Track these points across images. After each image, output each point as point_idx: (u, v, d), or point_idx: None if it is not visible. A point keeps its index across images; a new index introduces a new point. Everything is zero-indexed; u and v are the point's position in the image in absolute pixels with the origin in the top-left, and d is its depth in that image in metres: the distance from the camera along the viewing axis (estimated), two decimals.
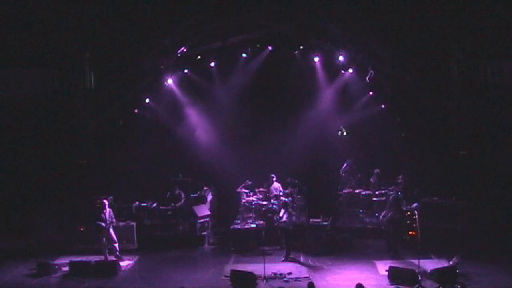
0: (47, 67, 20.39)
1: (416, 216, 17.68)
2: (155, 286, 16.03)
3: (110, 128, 21.56)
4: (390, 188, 19.92)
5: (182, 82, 21.81)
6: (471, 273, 15.80)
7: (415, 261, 15.96)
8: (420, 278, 15.15)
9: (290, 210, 18.11)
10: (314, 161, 21.90)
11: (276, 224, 18.09)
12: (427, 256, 17.14)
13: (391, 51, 20.61)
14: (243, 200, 20.12)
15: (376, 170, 20.88)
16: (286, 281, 15.86)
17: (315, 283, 13.45)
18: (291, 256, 17.73)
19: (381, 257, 17.54)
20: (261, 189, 20.43)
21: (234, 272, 16.00)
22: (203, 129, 22.37)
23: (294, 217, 19.29)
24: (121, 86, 21.25)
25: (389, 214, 17.93)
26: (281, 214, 17.90)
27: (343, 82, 21.94)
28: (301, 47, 21.29)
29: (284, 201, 18.94)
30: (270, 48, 21.59)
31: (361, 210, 20.52)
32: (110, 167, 21.05)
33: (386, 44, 20.55)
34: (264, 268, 15.98)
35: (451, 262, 16.35)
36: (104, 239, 17.77)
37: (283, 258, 17.59)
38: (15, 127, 21.00)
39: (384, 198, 20.04)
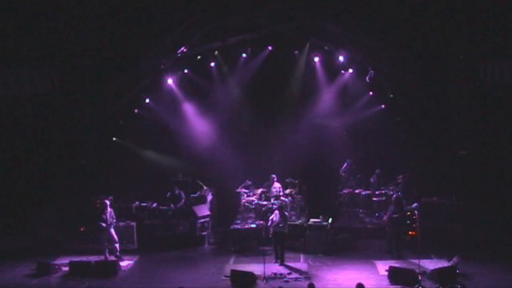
0: (47, 67, 20.39)
1: (416, 216, 17.70)
2: (155, 286, 16.02)
3: (110, 128, 21.57)
4: (390, 187, 19.95)
5: (182, 82, 21.82)
6: (471, 273, 15.79)
7: (415, 261, 15.97)
8: (420, 278, 15.16)
9: (285, 213, 17.73)
10: (314, 161, 21.89)
11: (272, 229, 17.38)
12: (427, 256, 17.15)
13: (391, 51, 20.63)
14: (243, 200, 20.12)
15: (377, 171, 20.90)
16: (286, 281, 15.86)
17: (315, 283, 13.45)
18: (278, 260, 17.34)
19: (381, 257, 17.55)
20: (261, 189, 20.42)
21: (234, 272, 16.00)
22: (203, 129, 22.35)
23: (294, 217, 19.31)
24: (121, 86, 21.28)
25: (389, 213, 17.94)
26: (275, 218, 17.32)
27: (343, 82, 21.96)
28: (300, 48, 21.32)
29: (279, 204, 18.34)
30: (270, 48, 21.61)
31: (361, 210, 20.53)
32: (110, 167, 21.07)
33: (386, 44, 20.56)
34: (264, 268, 16.00)
35: (451, 262, 16.35)
36: (104, 239, 17.78)
37: (278, 262, 17.24)
38: (15, 127, 20.99)
39: (384, 198, 20.10)
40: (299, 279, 15.97)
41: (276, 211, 17.52)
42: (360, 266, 16.99)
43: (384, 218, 18.44)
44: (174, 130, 22.05)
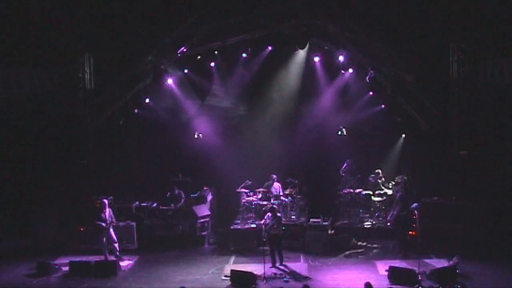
0: (47, 67, 20.40)
1: (416, 216, 17.69)
2: (155, 286, 16.03)
3: (110, 128, 21.57)
4: (390, 187, 19.92)
5: (182, 82, 21.81)
6: (471, 273, 15.79)
7: (415, 261, 15.97)
8: (420, 278, 15.16)
9: (278, 214, 17.42)
10: (314, 161, 21.87)
11: (268, 232, 17.02)
12: (427, 256, 17.15)
13: (391, 51, 20.61)
14: (243, 200, 20.12)
15: (377, 171, 20.90)
16: (286, 281, 15.86)
17: (315, 283, 13.46)
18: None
19: (381, 257, 17.56)
20: (261, 189, 20.41)
21: (234, 272, 16.00)
22: (203, 129, 22.34)
23: (294, 217, 19.31)
24: (121, 86, 21.27)
25: (396, 212, 17.90)
26: (268, 220, 17.04)
27: (343, 82, 21.94)
28: (300, 48, 21.31)
29: (272, 206, 18.04)
30: (270, 48, 21.60)
31: (361, 210, 20.52)
32: (110, 167, 21.07)
33: (386, 44, 20.54)
34: (264, 268, 16.01)
35: (451, 262, 16.35)
36: (104, 239, 17.78)
37: (278, 263, 17.12)
38: (15, 127, 20.99)
39: (384, 198, 20.09)
40: (299, 279, 15.94)
41: (269, 213, 17.25)
42: (360, 266, 17.01)
43: (389, 217, 18.43)
44: (174, 130, 22.04)
